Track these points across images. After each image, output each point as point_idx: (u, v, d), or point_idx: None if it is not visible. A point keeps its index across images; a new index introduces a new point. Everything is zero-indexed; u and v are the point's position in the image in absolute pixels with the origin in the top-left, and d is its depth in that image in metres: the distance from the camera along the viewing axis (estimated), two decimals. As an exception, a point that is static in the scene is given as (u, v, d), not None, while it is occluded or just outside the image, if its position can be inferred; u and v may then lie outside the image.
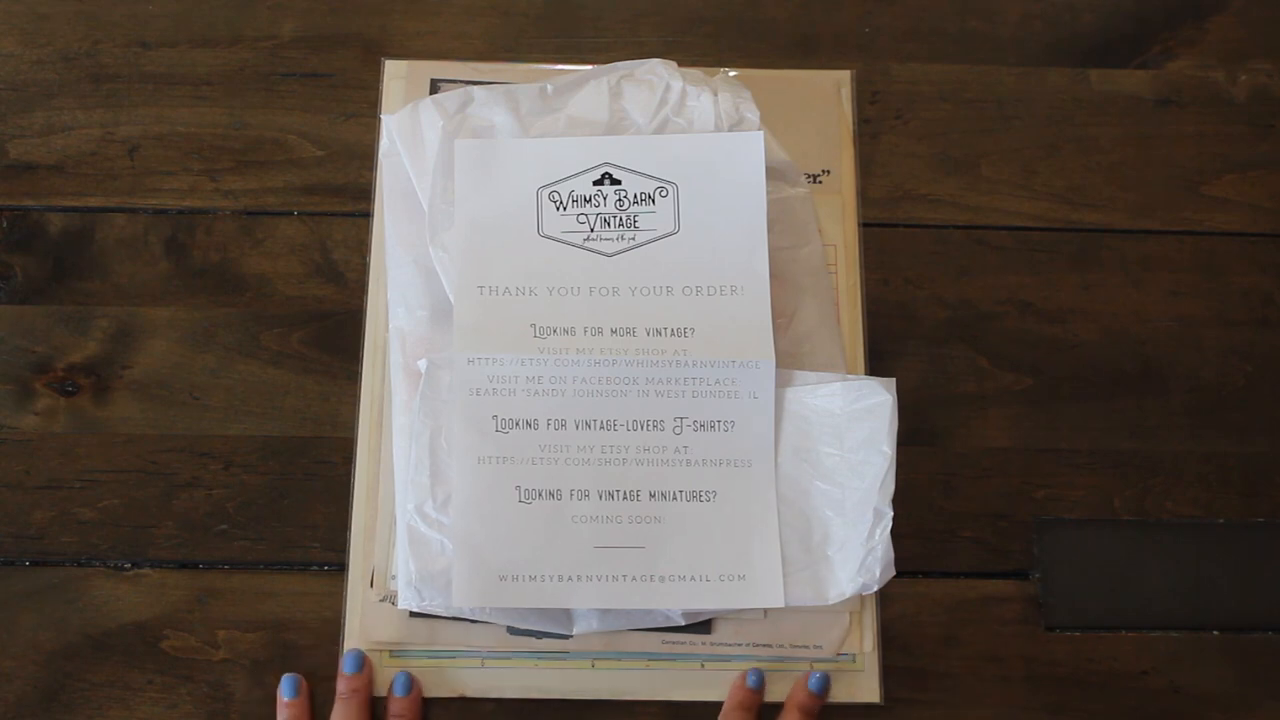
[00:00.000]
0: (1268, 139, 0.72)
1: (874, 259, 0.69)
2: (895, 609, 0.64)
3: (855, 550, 0.61)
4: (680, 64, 0.72)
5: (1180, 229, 0.71)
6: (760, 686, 0.61)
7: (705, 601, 0.61)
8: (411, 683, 0.61)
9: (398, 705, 0.60)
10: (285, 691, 0.61)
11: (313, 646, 0.63)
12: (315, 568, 0.64)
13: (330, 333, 0.67)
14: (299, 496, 0.65)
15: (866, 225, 0.70)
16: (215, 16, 0.72)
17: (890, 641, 0.64)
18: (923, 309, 0.69)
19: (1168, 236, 0.71)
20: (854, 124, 0.71)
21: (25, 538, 0.65)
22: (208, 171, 0.70)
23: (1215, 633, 0.65)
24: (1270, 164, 0.72)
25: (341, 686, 0.60)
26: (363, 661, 0.61)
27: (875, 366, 0.68)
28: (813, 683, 0.61)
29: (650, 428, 0.62)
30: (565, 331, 0.63)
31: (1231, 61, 0.74)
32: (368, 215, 0.69)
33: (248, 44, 0.72)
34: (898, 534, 0.64)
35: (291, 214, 0.69)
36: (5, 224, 0.69)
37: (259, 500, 0.65)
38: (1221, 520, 0.67)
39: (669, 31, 0.73)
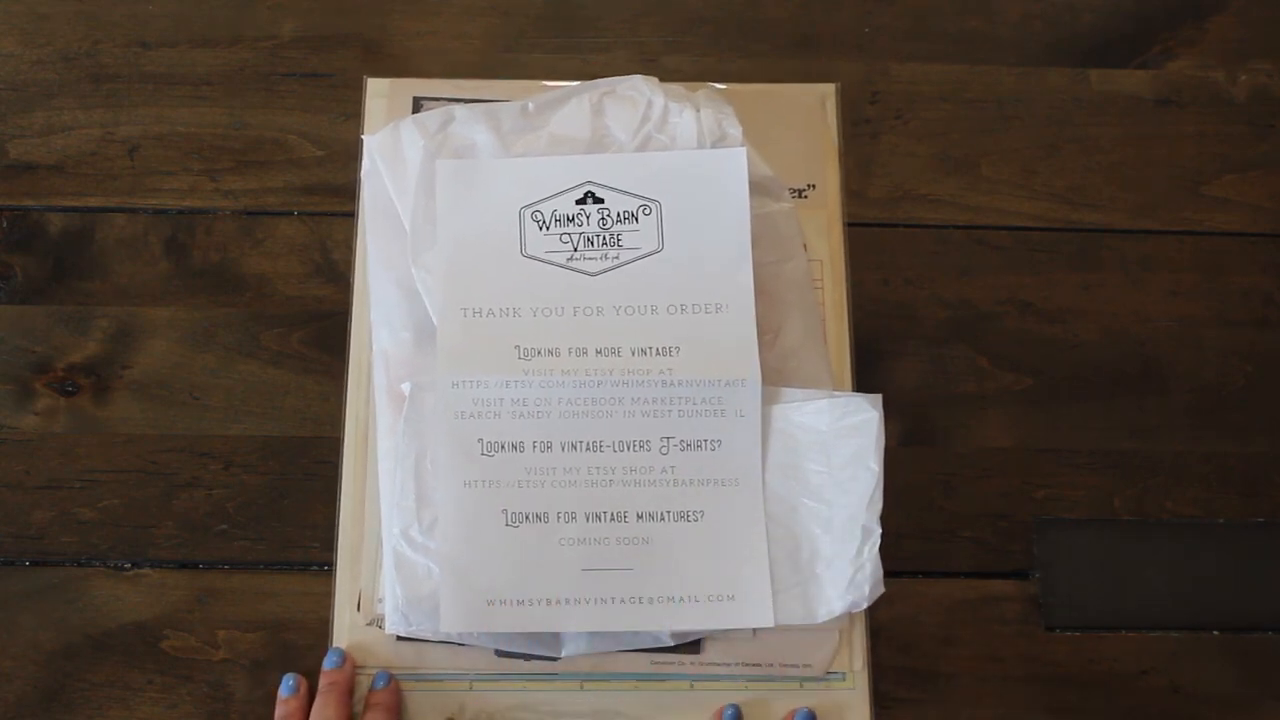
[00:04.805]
0: (1268, 139, 0.72)
1: (874, 259, 0.69)
2: (895, 609, 0.64)
3: (844, 568, 0.61)
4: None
5: (1180, 229, 0.71)
6: None
7: (694, 622, 0.61)
8: (390, 678, 0.61)
9: (376, 697, 0.61)
10: (284, 689, 0.61)
11: (312, 646, 0.63)
12: (315, 568, 0.64)
13: (330, 333, 0.67)
14: (299, 496, 0.65)
15: (866, 225, 0.70)
16: (215, 16, 0.72)
17: (890, 642, 0.64)
18: (923, 309, 0.69)
19: (1168, 236, 0.71)
20: (838, 137, 0.70)
21: (25, 538, 0.65)
22: (208, 171, 0.70)
23: (1215, 633, 0.65)
24: (1270, 164, 0.72)
25: (322, 681, 0.61)
26: (343, 658, 0.61)
27: (875, 367, 0.68)
28: None
29: (637, 448, 0.62)
30: (549, 353, 0.62)
31: (1231, 61, 0.74)
32: (368, 215, 0.69)
33: (248, 44, 0.72)
34: (898, 534, 0.65)
35: (291, 214, 0.70)
36: (5, 224, 0.69)
37: (259, 500, 0.65)
38: (1221, 520, 0.67)
39: (669, 31, 0.73)
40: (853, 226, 0.69)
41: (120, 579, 0.64)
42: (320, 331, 0.67)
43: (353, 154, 0.70)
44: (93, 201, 0.69)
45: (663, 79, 0.68)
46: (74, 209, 0.69)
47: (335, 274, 0.68)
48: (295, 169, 0.70)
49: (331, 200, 0.69)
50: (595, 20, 0.73)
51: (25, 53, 0.72)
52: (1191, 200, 0.71)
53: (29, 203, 0.69)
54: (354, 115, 0.70)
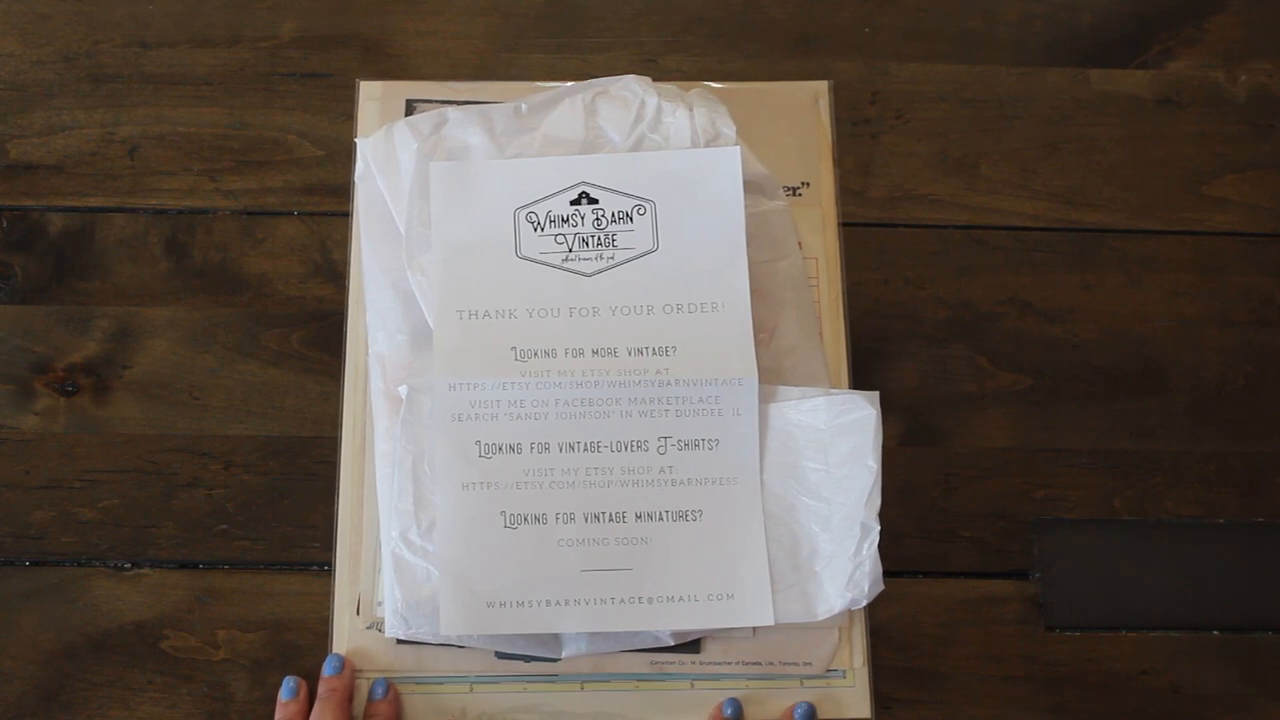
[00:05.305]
0: (1268, 139, 0.72)
1: (874, 259, 0.69)
2: (895, 609, 0.64)
3: (843, 565, 0.61)
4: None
5: (1180, 229, 0.71)
6: (738, 717, 0.61)
7: (694, 621, 0.61)
8: (389, 687, 0.61)
9: (375, 707, 0.61)
10: (284, 693, 0.61)
11: (312, 646, 0.63)
12: (315, 568, 0.64)
13: (330, 333, 0.67)
14: (299, 496, 0.65)
15: (866, 225, 0.70)
16: (215, 16, 0.72)
17: (890, 642, 0.64)
18: (923, 309, 0.69)
19: (1168, 236, 0.71)
20: (832, 135, 0.70)
21: (25, 538, 0.65)
22: (208, 171, 0.70)
23: (1215, 633, 0.65)
24: (1270, 164, 0.72)
25: (322, 688, 0.61)
26: (342, 664, 0.61)
27: (875, 367, 0.68)
28: (798, 715, 0.61)
29: (634, 448, 0.62)
30: (546, 354, 0.62)
31: (1231, 61, 0.74)
32: (368, 215, 0.69)
33: (248, 44, 0.72)
34: (898, 534, 0.65)
35: (291, 214, 0.70)
36: (5, 224, 0.69)
37: (259, 500, 0.65)
38: (1221, 520, 0.67)
39: (669, 31, 0.73)
40: (853, 226, 0.69)
41: (120, 579, 0.64)
42: (320, 331, 0.67)
43: (353, 154, 0.69)
44: (93, 201, 0.69)
45: (662, 79, 0.68)
46: (74, 209, 0.69)
47: (335, 274, 0.68)
48: (295, 169, 0.70)
49: (331, 200, 0.69)
50: (595, 20, 0.73)
51: (25, 53, 0.72)
52: (1191, 200, 0.71)
53: (29, 203, 0.69)
54: (354, 115, 0.70)
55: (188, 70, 0.71)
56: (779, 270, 0.66)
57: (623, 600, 0.61)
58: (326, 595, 0.63)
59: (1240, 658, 0.65)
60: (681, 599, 0.61)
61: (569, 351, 0.63)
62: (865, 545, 0.60)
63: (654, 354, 0.63)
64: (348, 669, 0.61)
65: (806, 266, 0.67)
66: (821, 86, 0.71)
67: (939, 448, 0.67)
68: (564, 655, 0.61)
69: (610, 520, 0.61)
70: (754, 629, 0.62)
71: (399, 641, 0.62)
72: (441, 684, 0.62)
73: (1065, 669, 0.64)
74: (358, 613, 0.62)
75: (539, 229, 0.65)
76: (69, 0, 0.73)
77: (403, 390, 0.62)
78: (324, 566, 0.64)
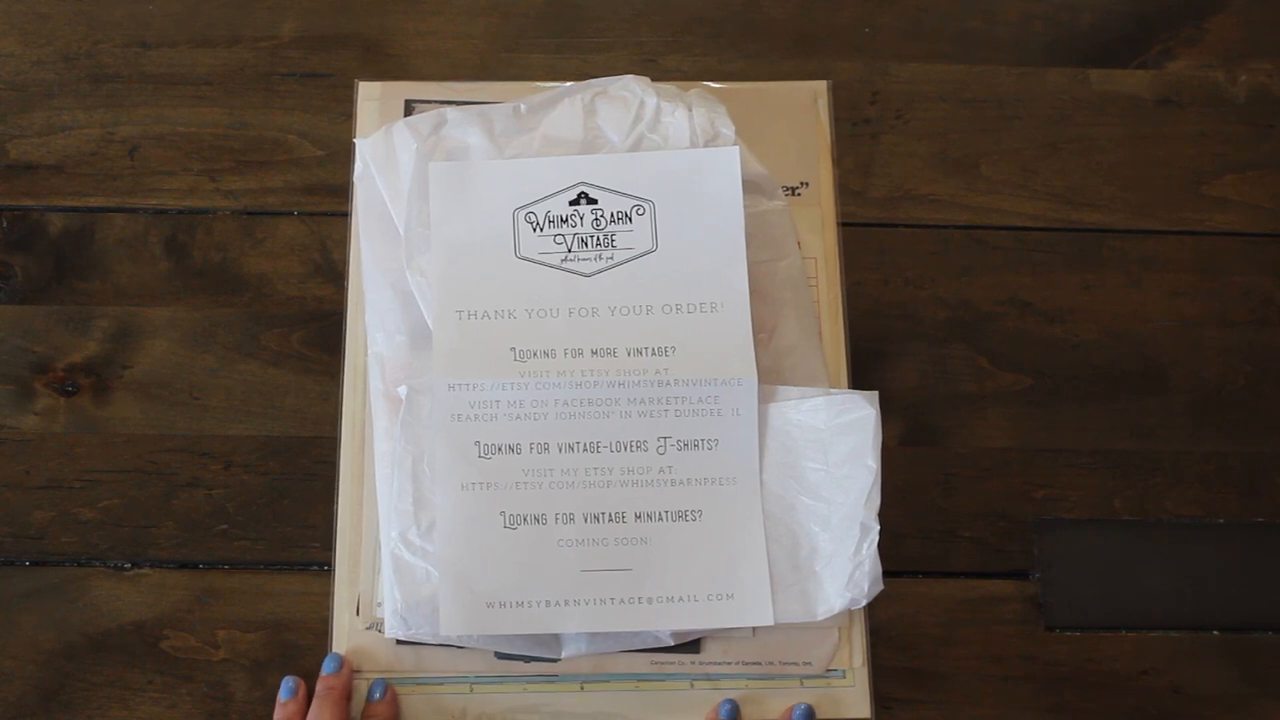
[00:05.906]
0: (1268, 139, 0.72)
1: (874, 259, 0.69)
2: (895, 609, 0.64)
3: (843, 565, 0.61)
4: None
5: (1180, 229, 0.71)
6: (733, 718, 0.61)
7: (694, 622, 0.61)
8: (387, 688, 0.61)
9: (373, 708, 0.61)
10: (283, 693, 0.61)
11: (312, 646, 0.63)
12: (315, 568, 0.64)
13: (330, 333, 0.67)
14: (299, 496, 0.65)
15: (866, 225, 0.70)
16: (215, 16, 0.72)
17: (890, 642, 0.64)
18: (923, 309, 0.69)
19: (1168, 236, 0.71)
20: (831, 135, 0.70)
21: (25, 538, 0.65)
22: (208, 171, 0.70)
23: (1215, 633, 0.65)
24: (1270, 164, 0.72)
25: (319, 686, 0.61)
26: (341, 663, 0.61)
27: (875, 367, 0.68)
28: (796, 716, 0.61)
29: (634, 448, 0.62)
30: (545, 354, 0.62)
31: (1231, 61, 0.74)
32: (368, 215, 0.69)
33: (248, 44, 0.72)
34: (898, 534, 0.65)
35: (291, 214, 0.70)
36: (5, 224, 0.69)
37: (259, 500, 0.65)
38: (1221, 520, 0.67)
39: (669, 31, 0.73)
40: (853, 226, 0.69)
41: (120, 579, 0.64)
42: (320, 331, 0.67)
43: (353, 154, 0.69)
44: (93, 201, 0.69)
45: (662, 79, 0.68)
46: (74, 209, 0.69)
47: (335, 274, 0.68)
48: (295, 169, 0.70)
49: (331, 200, 0.69)
50: (595, 20, 0.73)
51: (25, 53, 0.72)
52: (1191, 200, 0.71)
53: (29, 203, 0.69)
54: (353, 115, 0.70)
55: (188, 70, 0.72)
56: (778, 270, 0.66)
57: (623, 600, 0.61)
58: (326, 595, 0.63)
59: (1240, 658, 0.65)
60: (681, 599, 0.61)
61: (568, 352, 0.63)
62: (865, 545, 0.60)
63: (653, 354, 0.63)
64: (346, 668, 0.61)
65: (806, 266, 0.67)
66: (821, 86, 0.71)
67: (939, 448, 0.67)
68: (564, 655, 0.61)
69: (610, 520, 0.61)
70: (754, 629, 0.62)
71: (399, 642, 0.62)
72: (441, 684, 0.62)
73: (1065, 669, 0.64)
74: (357, 613, 0.62)
75: (538, 229, 0.65)
76: (69, 0, 0.73)
77: (402, 391, 0.62)
78: (324, 566, 0.64)
